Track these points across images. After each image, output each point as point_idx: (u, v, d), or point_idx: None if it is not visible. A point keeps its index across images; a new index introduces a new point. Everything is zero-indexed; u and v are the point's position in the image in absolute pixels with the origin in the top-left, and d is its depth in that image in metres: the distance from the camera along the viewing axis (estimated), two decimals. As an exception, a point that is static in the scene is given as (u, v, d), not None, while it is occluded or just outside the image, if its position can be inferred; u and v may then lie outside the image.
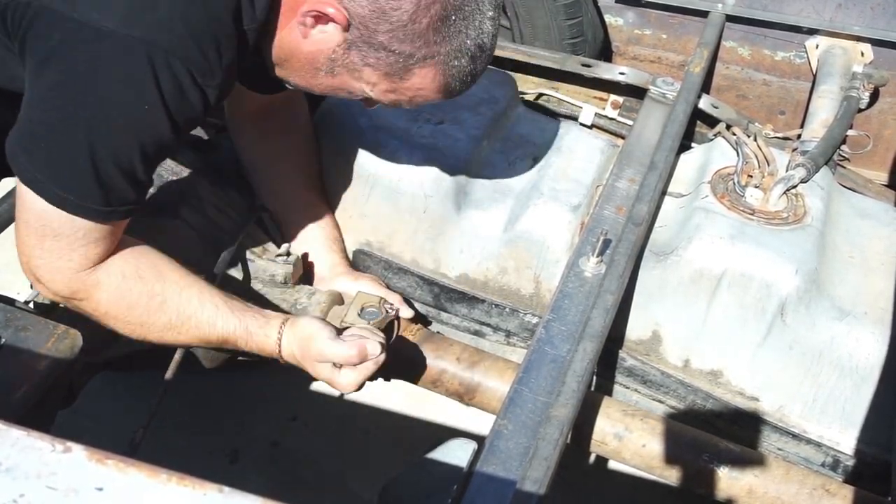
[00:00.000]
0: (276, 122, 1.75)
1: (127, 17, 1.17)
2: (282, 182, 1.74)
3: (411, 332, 1.65)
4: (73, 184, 1.22)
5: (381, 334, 1.47)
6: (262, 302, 1.68)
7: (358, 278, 1.71)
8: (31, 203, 1.25)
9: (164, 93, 1.20)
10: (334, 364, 1.43)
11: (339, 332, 1.46)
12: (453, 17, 1.23)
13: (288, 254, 1.71)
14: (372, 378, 1.65)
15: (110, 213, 1.27)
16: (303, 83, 1.37)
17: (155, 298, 1.37)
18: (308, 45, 1.29)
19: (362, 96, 1.36)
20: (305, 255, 1.74)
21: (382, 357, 1.44)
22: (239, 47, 1.28)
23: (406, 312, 1.68)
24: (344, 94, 1.37)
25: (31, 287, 1.56)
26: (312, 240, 1.73)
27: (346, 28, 1.24)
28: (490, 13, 1.27)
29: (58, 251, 1.28)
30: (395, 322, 1.64)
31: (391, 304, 1.62)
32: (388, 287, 1.73)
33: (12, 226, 1.64)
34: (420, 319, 1.79)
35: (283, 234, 1.76)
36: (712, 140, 1.94)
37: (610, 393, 1.73)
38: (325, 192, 1.78)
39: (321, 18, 1.25)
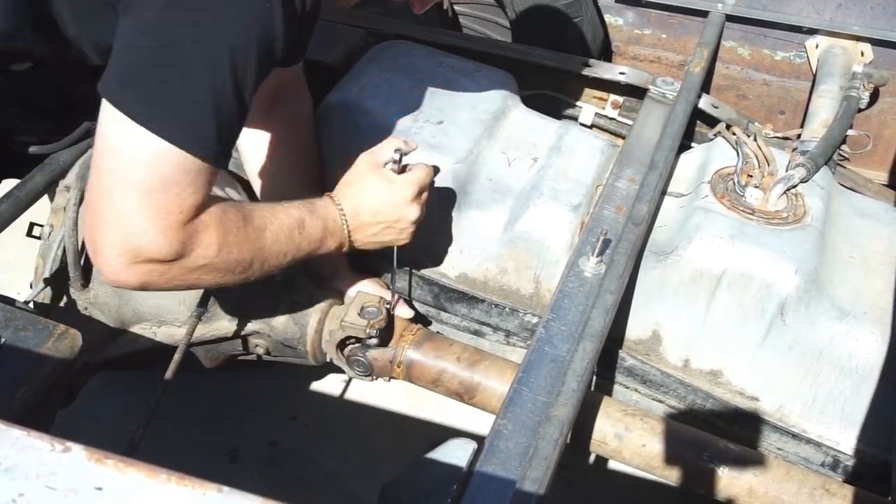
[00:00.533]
0: (280, 117, 1.73)
1: None
2: (284, 178, 1.72)
3: (411, 332, 1.65)
4: (192, 116, 1.11)
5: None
6: (261, 302, 1.68)
7: (359, 277, 1.71)
8: (136, 150, 1.09)
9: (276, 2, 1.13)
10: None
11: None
12: None
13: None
14: (371, 376, 1.66)
15: (219, 155, 1.18)
16: None
17: (252, 221, 1.27)
18: None
19: None
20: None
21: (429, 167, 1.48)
22: None
23: (406, 313, 1.68)
24: None
25: (98, 278, 1.47)
26: None
27: None
28: None
29: (163, 206, 1.13)
30: (394, 322, 1.65)
31: (390, 304, 1.63)
32: (388, 287, 1.74)
33: (12, 226, 1.65)
34: (420, 320, 1.79)
35: None
36: (712, 140, 1.94)
37: (610, 393, 1.74)
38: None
39: None
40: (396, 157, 1.45)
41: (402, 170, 1.48)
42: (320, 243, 1.40)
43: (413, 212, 1.47)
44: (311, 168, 1.77)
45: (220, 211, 1.23)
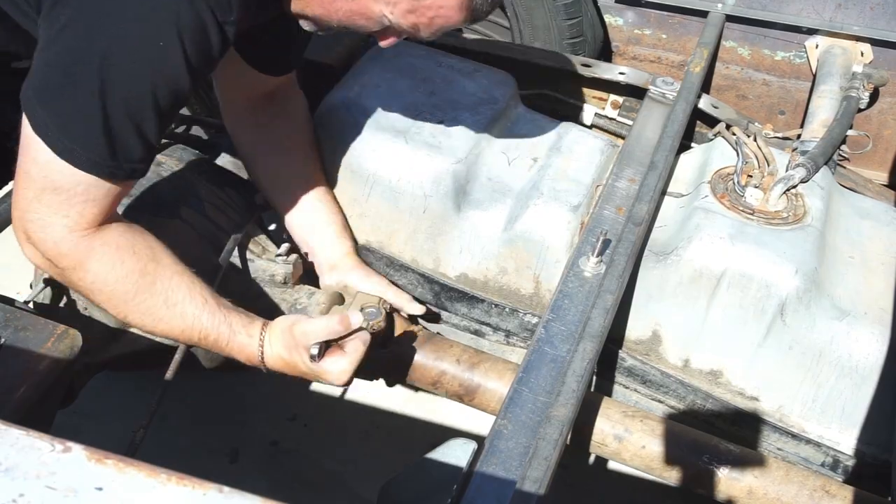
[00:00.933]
0: (274, 113, 1.73)
1: None
2: (285, 172, 1.72)
3: (411, 334, 1.65)
4: (81, 133, 1.19)
5: (360, 315, 1.45)
6: (262, 302, 1.68)
7: (369, 275, 1.70)
8: (35, 153, 1.21)
9: (181, 30, 1.17)
10: (319, 353, 1.40)
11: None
12: None
13: (288, 254, 1.71)
14: (370, 377, 1.65)
15: (115, 170, 1.23)
16: (320, 11, 1.31)
17: (146, 277, 1.33)
18: None
19: (379, 25, 1.31)
20: (305, 255, 1.74)
21: (367, 335, 1.43)
22: None
23: (416, 309, 1.68)
24: (361, 22, 1.31)
25: (32, 280, 1.54)
26: (323, 228, 1.71)
27: None
28: None
29: (55, 206, 1.24)
30: (394, 322, 1.65)
31: (389, 304, 1.62)
32: (394, 284, 1.73)
33: (10, 227, 1.65)
34: (431, 317, 1.78)
35: (289, 226, 1.74)
36: (712, 140, 1.94)
37: (610, 393, 1.73)
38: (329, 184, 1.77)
39: None
40: (315, 351, 1.40)
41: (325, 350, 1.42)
42: (223, 353, 1.44)
43: (343, 374, 1.44)
44: (314, 156, 1.75)
45: (114, 249, 1.31)
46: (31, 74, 1.22)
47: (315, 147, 1.76)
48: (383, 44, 1.37)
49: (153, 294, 1.34)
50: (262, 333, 1.43)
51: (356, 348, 1.42)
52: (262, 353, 1.43)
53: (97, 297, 1.34)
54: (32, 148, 1.22)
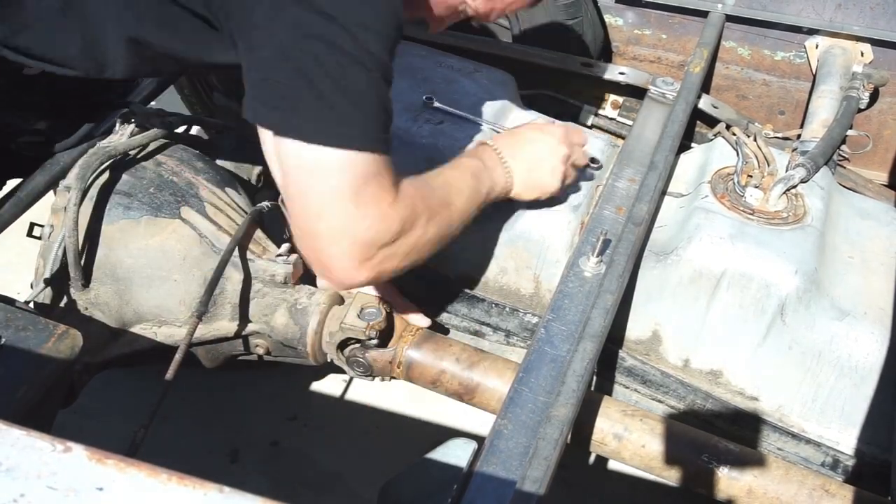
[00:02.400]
0: None
1: None
2: None
3: (411, 333, 1.65)
4: (349, 114, 1.14)
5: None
6: (262, 302, 1.68)
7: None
8: (320, 164, 1.15)
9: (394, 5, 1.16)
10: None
11: None
12: None
13: (288, 254, 1.71)
14: (370, 376, 1.66)
15: (385, 141, 1.21)
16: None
17: (438, 190, 1.35)
18: None
19: (452, 12, 1.33)
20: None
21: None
22: None
23: (423, 321, 1.68)
24: (440, 10, 1.33)
25: (318, 280, 1.57)
26: None
27: None
28: None
29: (373, 196, 1.19)
30: (394, 322, 1.65)
31: (389, 304, 1.62)
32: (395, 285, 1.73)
33: (11, 227, 1.65)
34: (436, 328, 1.78)
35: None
36: (712, 140, 1.94)
37: (610, 393, 1.74)
38: None
39: None
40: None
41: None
42: (490, 187, 1.47)
43: (559, 151, 1.56)
44: None
45: (414, 183, 1.29)
46: (260, 91, 1.16)
47: None
48: (436, 30, 1.40)
49: (451, 202, 1.36)
50: (495, 150, 1.51)
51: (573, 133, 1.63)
52: (511, 175, 1.52)
53: (436, 232, 1.33)
54: (310, 164, 1.15)
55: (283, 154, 1.18)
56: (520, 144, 1.54)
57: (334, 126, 1.14)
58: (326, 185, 1.16)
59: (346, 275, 1.24)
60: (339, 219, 1.18)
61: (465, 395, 1.59)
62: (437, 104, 1.77)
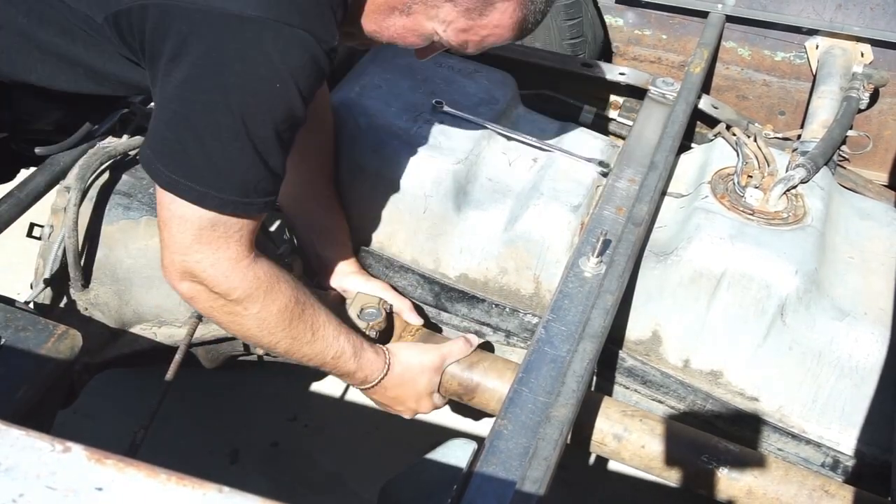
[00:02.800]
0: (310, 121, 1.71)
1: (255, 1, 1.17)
2: (306, 178, 1.71)
3: (410, 333, 1.65)
4: (211, 178, 1.21)
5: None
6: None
7: (368, 280, 1.70)
8: (175, 207, 1.24)
9: (292, 67, 1.20)
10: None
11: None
12: None
13: (288, 254, 1.71)
14: None
15: (249, 205, 1.26)
16: (373, 28, 1.34)
17: (298, 305, 1.37)
18: None
19: (427, 41, 1.33)
20: (303, 255, 1.74)
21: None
22: None
23: (415, 320, 1.68)
24: (411, 39, 1.33)
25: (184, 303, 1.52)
26: (328, 234, 1.72)
27: None
28: None
29: (215, 241, 1.27)
30: (394, 322, 1.65)
31: (389, 304, 1.62)
32: (393, 288, 1.73)
33: (11, 226, 1.65)
34: (430, 327, 1.78)
35: (294, 227, 1.75)
36: (712, 140, 1.94)
37: (610, 393, 1.73)
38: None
39: None
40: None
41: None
42: (343, 373, 1.48)
43: (422, 407, 1.58)
44: (331, 166, 1.76)
45: (275, 279, 1.34)
46: (150, 134, 1.25)
47: (332, 157, 1.76)
48: (422, 58, 1.40)
49: (303, 321, 1.38)
50: (386, 351, 1.50)
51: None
52: (389, 367, 1.49)
53: (258, 328, 1.36)
54: (170, 204, 1.25)
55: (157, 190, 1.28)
56: (392, 391, 1.52)
57: (189, 181, 1.22)
58: (177, 223, 1.26)
59: (166, 274, 1.33)
60: (179, 250, 1.28)
61: (464, 395, 1.59)
62: (446, 108, 1.77)
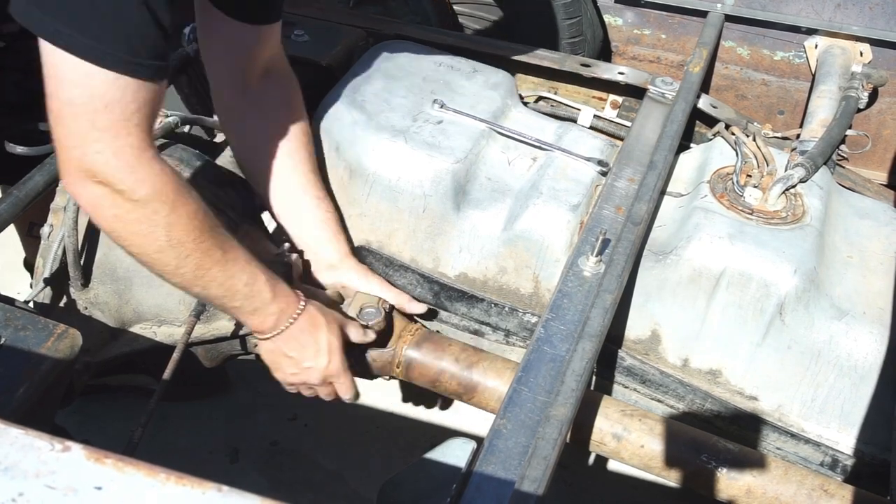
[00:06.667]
0: (270, 107, 1.66)
1: None
2: (281, 168, 1.67)
3: (410, 332, 1.65)
4: (97, 28, 1.09)
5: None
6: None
7: (367, 276, 1.69)
8: (64, 71, 1.10)
9: None
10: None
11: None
12: None
13: (287, 253, 1.71)
14: (370, 376, 1.66)
15: (139, 67, 1.14)
16: None
17: (208, 218, 1.28)
18: None
19: None
20: (302, 254, 1.74)
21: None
22: None
23: (417, 308, 1.67)
24: None
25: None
26: (319, 227, 1.68)
27: None
28: None
29: (114, 127, 1.14)
30: (393, 321, 1.65)
31: (389, 304, 1.62)
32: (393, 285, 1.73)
33: (11, 226, 1.65)
34: (430, 316, 1.78)
35: (283, 223, 1.71)
36: (711, 140, 1.94)
37: (609, 392, 1.74)
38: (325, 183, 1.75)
39: None
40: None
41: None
42: (255, 307, 1.38)
43: (333, 364, 1.50)
44: (310, 154, 1.71)
45: (177, 180, 1.24)
46: None
47: (311, 145, 1.72)
48: None
49: (213, 236, 1.29)
50: (301, 294, 1.44)
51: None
52: (306, 304, 1.43)
53: (167, 238, 1.24)
54: (59, 68, 1.11)
55: (41, 49, 1.13)
56: (304, 336, 1.46)
57: (77, 33, 1.09)
58: (72, 100, 1.12)
59: (67, 180, 1.20)
60: (76, 139, 1.15)
61: (464, 394, 1.59)
62: (446, 107, 1.77)
